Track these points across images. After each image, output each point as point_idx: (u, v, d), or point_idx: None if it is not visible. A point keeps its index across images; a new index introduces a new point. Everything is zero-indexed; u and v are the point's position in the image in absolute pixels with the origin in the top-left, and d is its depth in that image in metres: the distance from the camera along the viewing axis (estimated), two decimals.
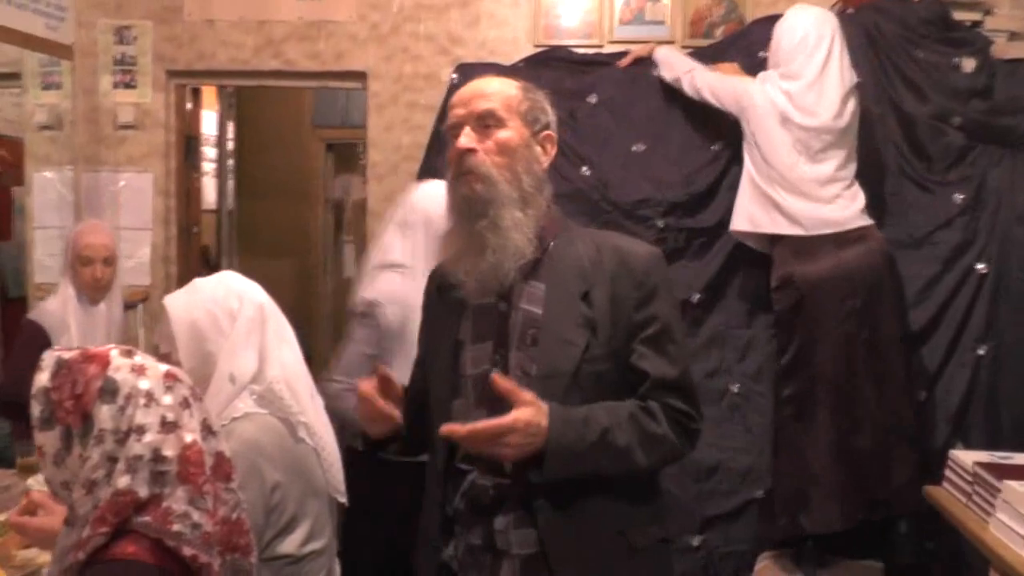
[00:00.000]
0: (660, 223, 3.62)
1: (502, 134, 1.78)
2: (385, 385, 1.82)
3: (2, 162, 3.92)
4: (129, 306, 4.00)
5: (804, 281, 3.22)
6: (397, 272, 2.73)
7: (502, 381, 1.64)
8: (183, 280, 4.16)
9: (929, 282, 3.49)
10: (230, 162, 6.08)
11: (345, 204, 7.06)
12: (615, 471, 1.71)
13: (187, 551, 1.45)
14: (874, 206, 3.42)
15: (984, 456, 2.61)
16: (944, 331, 3.47)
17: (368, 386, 1.81)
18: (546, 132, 1.85)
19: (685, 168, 3.68)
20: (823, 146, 3.26)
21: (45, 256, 4.22)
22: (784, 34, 3.38)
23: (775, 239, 3.35)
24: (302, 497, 2.04)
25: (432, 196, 2.72)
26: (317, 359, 6.49)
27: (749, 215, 3.38)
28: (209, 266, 5.14)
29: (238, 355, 2.06)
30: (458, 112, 1.81)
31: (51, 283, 3.98)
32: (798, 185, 3.27)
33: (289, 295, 6.46)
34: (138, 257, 4.26)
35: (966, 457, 2.60)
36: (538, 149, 1.83)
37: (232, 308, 2.10)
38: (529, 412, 1.62)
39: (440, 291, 1.92)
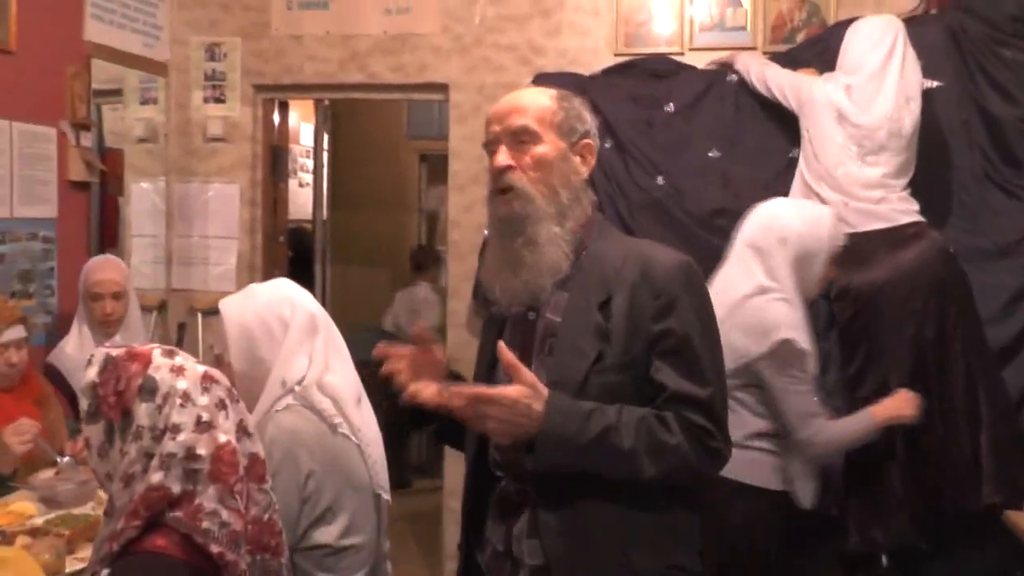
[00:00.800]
0: None
1: (538, 149, 1.77)
2: (425, 354, 1.81)
3: (107, 173, 4.09)
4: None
5: (862, 289, 3.15)
6: (778, 299, 2.66)
7: (507, 353, 1.63)
8: None
9: (1016, 294, 3.35)
10: (325, 173, 6.25)
11: (439, 214, 7.15)
12: (618, 475, 1.66)
13: (214, 548, 1.50)
14: (957, 213, 3.32)
15: None
16: None
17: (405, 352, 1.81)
18: (584, 141, 1.83)
19: (762, 175, 3.62)
20: (875, 148, 3.20)
21: (141, 263, 4.39)
22: (851, 36, 3.38)
23: None
24: (339, 489, 2.09)
25: (778, 214, 2.77)
26: None
27: None
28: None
29: (290, 362, 2.14)
30: (494, 129, 1.81)
31: (144, 289, 4.16)
32: (843, 184, 3.22)
33: (385, 304, 6.61)
34: (225, 264, 4.41)
35: None
36: (576, 159, 1.82)
37: (284, 315, 2.17)
38: (521, 391, 1.61)
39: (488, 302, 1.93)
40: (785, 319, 2.60)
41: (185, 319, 4.40)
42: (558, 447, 1.62)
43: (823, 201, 3.21)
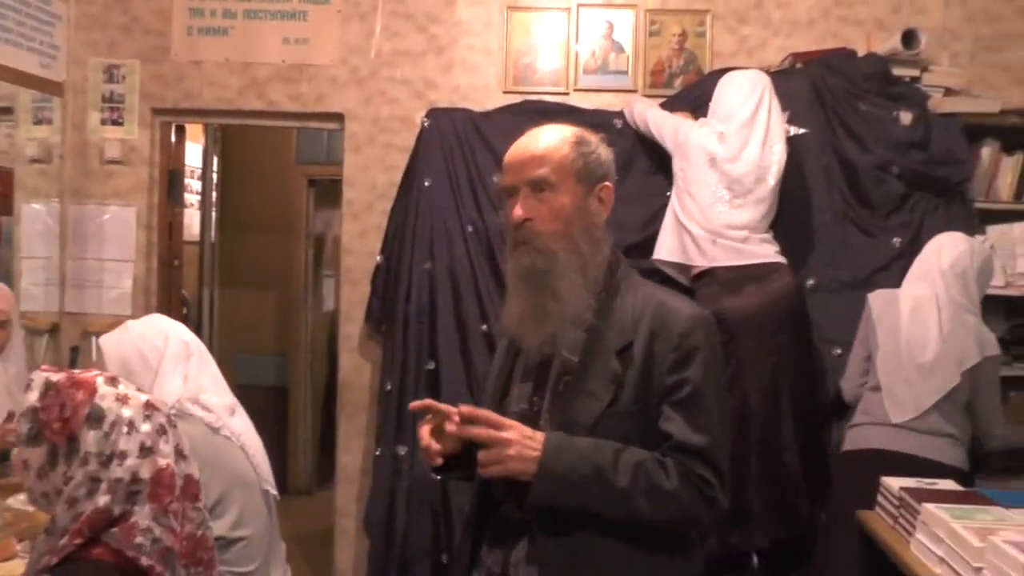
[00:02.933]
0: None
1: (557, 200, 1.75)
2: (439, 418, 1.79)
3: None
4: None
5: (735, 315, 3.42)
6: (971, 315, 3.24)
7: (467, 409, 1.68)
8: (162, 311, 4.34)
9: None
10: (214, 195, 6.25)
11: (326, 239, 7.20)
12: (614, 514, 1.67)
13: (145, 561, 1.63)
14: (820, 249, 3.65)
15: (911, 482, 2.79)
16: None
17: (424, 428, 1.80)
18: (603, 184, 1.81)
19: (644, 212, 3.87)
20: (743, 192, 3.51)
21: (31, 286, 4.33)
22: (722, 87, 3.68)
23: (699, 274, 3.59)
24: (226, 484, 2.28)
25: (951, 246, 3.32)
26: (295, 388, 6.67)
27: (668, 246, 3.65)
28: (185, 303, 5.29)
29: (164, 385, 2.35)
30: (510, 177, 1.79)
31: (35, 311, 4.14)
32: (713, 223, 3.51)
33: (271, 326, 6.64)
34: (120, 288, 4.40)
35: (893, 483, 2.79)
36: (595, 204, 1.80)
37: (158, 345, 2.40)
38: (521, 430, 1.66)
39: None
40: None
41: (78, 342, 4.37)
42: (555, 484, 1.65)
43: (692, 237, 3.53)
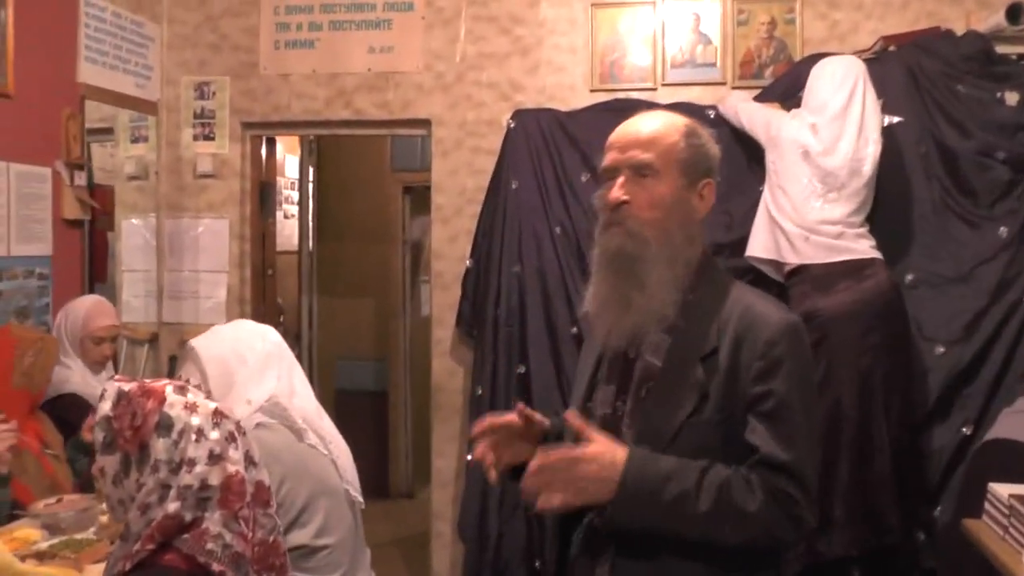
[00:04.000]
0: None
1: (658, 188, 1.70)
2: (527, 425, 1.79)
3: (98, 209, 4.19)
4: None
5: (828, 313, 3.28)
6: None
7: (574, 419, 1.64)
8: (257, 319, 4.42)
9: (976, 317, 3.52)
10: (311, 205, 6.35)
11: (422, 245, 7.25)
12: (695, 538, 1.60)
13: (216, 567, 1.62)
14: (919, 241, 3.48)
15: (1021, 489, 2.58)
16: (990, 366, 3.49)
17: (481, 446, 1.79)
18: (706, 180, 1.75)
19: (731, 210, 3.76)
20: (836, 186, 3.35)
21: (131, 297, 4.49)
22: (815, 77, 3.52)
23: (792, 271, 3.44)
24: (311, 492, 2.26)
25: None
26: (394, 393, 6.73)
27: (762, 242, 3.50)
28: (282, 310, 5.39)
29: (255, 382, 2.35)
30: (614, 157, 1.74)
31: (135, 323, 4.27)
32: (806, 219, 3.36)
33: (369, 333, 6.72)
34: (215, 298, 4.51)
35: (1003, 490, 2.59)
36: (695, 199, 1.74)
37: (254, 345, 2.40)
38: (602, 444, 1.61)
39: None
40: None
41: (176, 352, 4.48)
42: (633, 508, 1.59)
43: (785, 234, 3.39)
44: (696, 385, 1.64)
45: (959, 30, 3.81)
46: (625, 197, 1.70)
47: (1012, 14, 3.63)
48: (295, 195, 6.59)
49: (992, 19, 3.70)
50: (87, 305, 3.55)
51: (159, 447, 1.65)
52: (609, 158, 1.75)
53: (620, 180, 1.71)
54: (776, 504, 1.58)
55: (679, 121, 1.75)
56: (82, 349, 3.49)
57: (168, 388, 1.73)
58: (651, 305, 1.68)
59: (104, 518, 2.60)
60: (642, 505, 1.58)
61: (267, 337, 2.45)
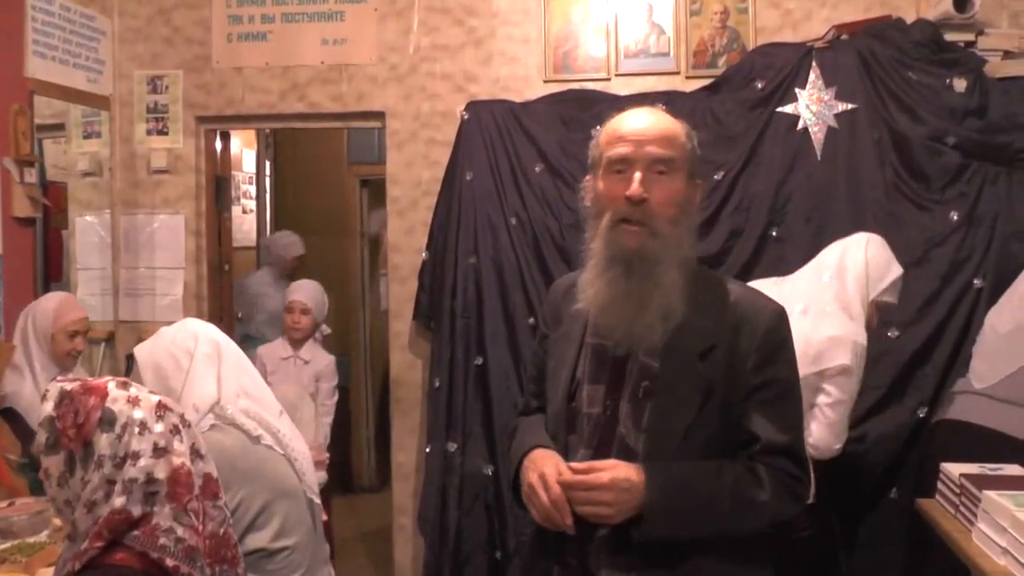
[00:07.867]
0: None
1: (674, 185, 1.67)
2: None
3: (50, 207, 4.13)
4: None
5: None
6: None
7: (579, 470, 1.63)
8: (214, 315, 4.38)
9: (929, 299, 3.56)
10: (268, 199, 6.30)
11: (380, 239, 7.22)
12: (712, 535, 1.64)
13: (170, 562, 1.61)
14: (872, 226, 3.50)
15: (973, 468, 2.63)
16: (943, 348, 3.52)
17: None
18: (699, 181, 1.76)
19: None
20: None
21: (87, 296, 4.40)
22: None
23: None
24: (268, 495, 2.25)
25: None
26: (355, 387, 6.70)
27: None
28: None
29: (197, 386, 2.32)
30: (628, 150, 1.67)
31: (92, 321, 4.18)
32: None
33: (330, 326, 6.65)
34: (172, 295, 4.46)
35: (954, 469, 2.64)
36: (695, 199, 1.75)
37: (189, 347, 2.36)
38: (619, 469, 1.60)
39: (560, 315, 1.87)
40: None
41: (134, 350, 4.41)
42: (666, 520, 1.60)
43: None
44: (701, 382, 1.65)
45: (909, 18, 3.84)
46: (646, 195, 1.65)
47: (959, 2, 3.67)
48: (252, 189, 6.55)
49: (940, 7, 3.73)
50: (56, 300, 3.48)
51: (103, 442, 1.64)
52: (622, 149, 1.68)
53: (638, 175, 1.65)
54: (782, 488, 1.65)
55: (678, 122, 1.75)
56: (53, 345, 3.39)
57: (111, 384, 1.71)
58: (667, 306, 1.66)
59: (58, 521, 2.58)
60: (672, 516, 1.61)
61: (203, 337, 2.40)
